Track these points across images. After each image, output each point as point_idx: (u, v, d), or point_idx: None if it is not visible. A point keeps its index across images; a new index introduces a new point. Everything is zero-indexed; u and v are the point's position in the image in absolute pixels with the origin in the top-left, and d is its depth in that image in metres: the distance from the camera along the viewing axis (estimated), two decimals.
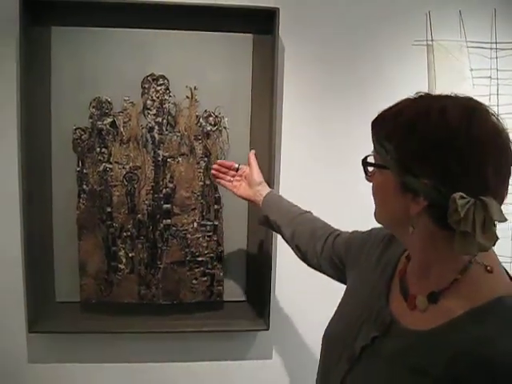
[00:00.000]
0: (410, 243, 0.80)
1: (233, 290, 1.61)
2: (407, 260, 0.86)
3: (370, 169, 0.82)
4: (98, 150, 1.50)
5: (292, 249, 1.27)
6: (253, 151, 1.42)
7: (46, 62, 1.47)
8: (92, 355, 1.61)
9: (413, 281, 0.81)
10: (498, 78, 1.67)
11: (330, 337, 0.93)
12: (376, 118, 0.78)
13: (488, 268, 0.72)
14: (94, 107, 1.49)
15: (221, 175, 1.42)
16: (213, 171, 1.42)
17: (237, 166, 1.42)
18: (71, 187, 1.50)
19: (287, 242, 1.27)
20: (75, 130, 1.49)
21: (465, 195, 0.66)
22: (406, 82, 1.63)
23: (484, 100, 1.68)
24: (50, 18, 1.46)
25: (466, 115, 0.68)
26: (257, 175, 1.37)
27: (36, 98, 1.47)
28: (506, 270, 0.76)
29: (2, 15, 1.45)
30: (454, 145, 0.67)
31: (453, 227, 0.67)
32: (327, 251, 1.13)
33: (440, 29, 1.63)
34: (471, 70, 1.66)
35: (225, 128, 1.53)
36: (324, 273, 1.17)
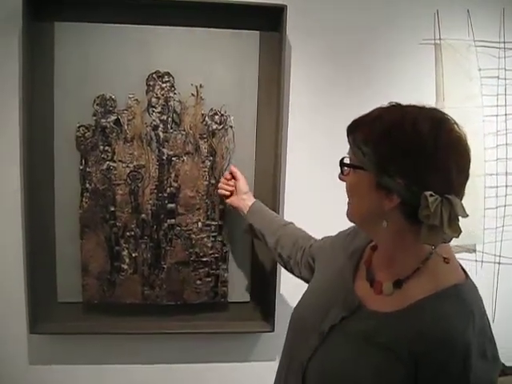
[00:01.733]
0: (379, 236, 0.89)
1: (237, 291, 1.58)
2: (372, 251, 0.96)
3: (346, 168, 0.89)
4: (102, 148, 1.47)
5: (274, 256, 1.37)
6: (231, 165, 1.51)
7: (49, 59, 1.44)
8: (94, 356, 1.59)
9: (379, 269, 0.91)
10: (505, 78, 1.66)
11: (298, 319, 1.01)
12: (352, 124, 0.87)
13: (445, 259, 0.82)
14: (97, 104, 1.46)
15: (225, 187, 1.49)
16: (224, 191, 1.48)
17: (228, 175, 1.50)
18: (74, 186, 1.48)
19: (270, 250, 1.36)
20: (78, 127, 1.46)
21: (433, 193, 0.75)
22: (414, 81, 1.62)
23: (491, 100, 1.68)
24: (53, 14, 1.43)
25: (435, 126, 0.79)
26: (242, 185, 1.45)
27: (39, 95, 1.44)
28: (459, 263, 0.89)
29: (4, 11, 1.42)
30: (423, 151, 0.78)
31: (421, 221, 0.77)
32: (305, 258, 1.24)
33: (448, 28, 1.62)
34: (479, 69, 1.64)
35: (231, 127, 1.51)
36: (305, 280, 1.25)
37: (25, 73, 1.40)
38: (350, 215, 0.92)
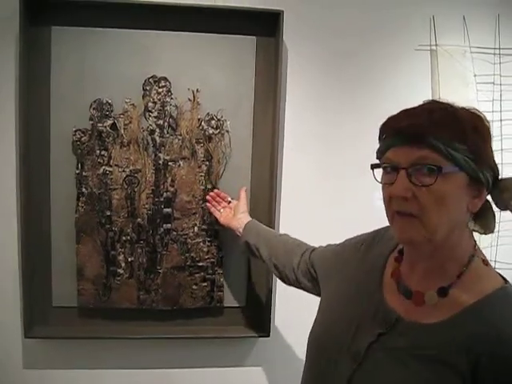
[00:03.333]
0: (446, 246, 0.80)
1: (233, 296, 1.58)
2: (397, 262, 0.89)
3: (429, 181, 0.75)
4: (98, 152, 1.47)
5: (270, 268, 1.32)
6: (244, 188, 1.50)
7: (46, 63, 1.44)
8: (89, 361, 1.58)
9: (413, 280, 0.84)
10: (501, 84, 1.67)
11: (319, 343, 0.93)
12: (417, 124, 0.75)
13: (484, 261, 0.80)
14: (94, 109, 1.46)
15: (213, 203, 1.51)
16: (208, 197, 1.51)
17: (229, 199, 1.50)
18: (70, 190, 1.48)
19: (265, 261, 1.32)
20: (75, 131, 1.46)
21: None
22: (410, 86, 1.62)
23: (487, 106, 1.68)
24: (50, 18, 1.43)
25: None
26: (242, 205, 1.45)
27: (35, 99, 1.44)
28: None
29: (1, 15, 1.42)
30: (492, 140, 0.81)
31: (478, 213, 0.80)
32: (303, 265, 1.18)
33: (444, 34, 1.63)
34: (475, 75, 1.65)
35: (227, 131, 1.51)
36: (302, 287, 1.21)
37: (21, 77, 1.40)
38: (432, 231, 0.76)
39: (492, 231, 0.82)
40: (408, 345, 0.78)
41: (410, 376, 0.75)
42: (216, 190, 1.51)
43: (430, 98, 0.85)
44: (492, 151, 0.80)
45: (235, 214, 1.44)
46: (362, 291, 0.90)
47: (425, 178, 0.75)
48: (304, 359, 1.62)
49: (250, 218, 1.43)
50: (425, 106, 0.80)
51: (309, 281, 1.16)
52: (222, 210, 1.49)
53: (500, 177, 0.79)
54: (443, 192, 0.75)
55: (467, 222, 0.82)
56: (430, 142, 0.74)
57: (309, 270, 1.16)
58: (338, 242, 1.12)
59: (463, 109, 0.79)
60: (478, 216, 0.82)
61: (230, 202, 1.50)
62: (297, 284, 1.22)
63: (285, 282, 1.29)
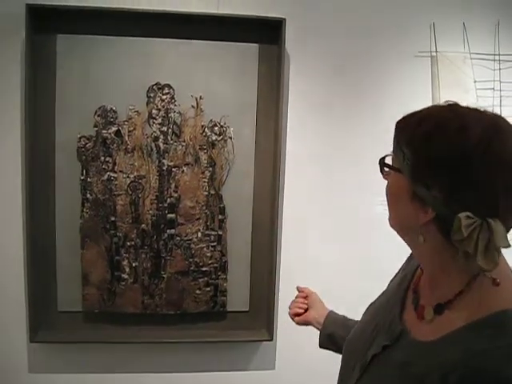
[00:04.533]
0: (419, 253, 0.80)
1: (236, 300, 1.60)
2: (421, 271, 0.85)
3: (386, 169, 0.80)
4: (103, 158, 1.49)
5: None
6: (300, 288, 1.33)
7: (51, 70, 1.46)
8: (94, 365, 1.59)
9: (424, 292, 0.81)
10: (501, 90, 1.69)
11: (347, 347, 0.94)
12: (400, 121, 0.76)
13: (495, 281, 0.69)
14: (98, 116, 1.48)
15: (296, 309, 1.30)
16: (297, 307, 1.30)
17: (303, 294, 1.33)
18: (75, 196, 1.50)
19: None
20: (80, 138, 1.48)
21: (472, 215, 0.65)
22: (410, 93, 1.64)
23: None
24: (55, 26, 1.45)
25: (488, 134, 0.66)
26: (316, 297, 1.29)
27: (40, 106, 1.46)
28: None
29: (7, 23, 1.44)
30: (468, 163, 0.65)
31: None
32: None
33: (444, 40, 1.64)
34: (475, 81, 1.67)
35: (230, 138, 1.53)
36: None
37: (27, 84, 1.42)
38: (390, 221, 0.81)
39: (488, 269, 0.68)
40: (401, 359, 0.76)
41: None
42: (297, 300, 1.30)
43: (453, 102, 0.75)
44: (471, 180, 0.66)
45: (311, 307, 1.26)
46: (390, 301, 0.89)
47: (387, 171, 0.80)
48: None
49: (328, 309, 1.25)
50: (434, 107, 0.76)
51: None
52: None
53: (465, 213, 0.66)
54: (388, 186, 0.79)
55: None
56: (394, 140, 0.76)
57: None
58: None
59: (449, 117, 0.70)
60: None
61: (306, 297, 1.31)
62: None
63: None
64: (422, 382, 0.70)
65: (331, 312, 1.26)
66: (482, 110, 0.71)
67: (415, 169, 0.70)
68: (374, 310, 0.95)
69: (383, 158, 0.80)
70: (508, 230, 0.68)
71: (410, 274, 0.90)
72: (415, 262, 0.91)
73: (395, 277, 1.01)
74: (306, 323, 1.27)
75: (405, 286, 0.88)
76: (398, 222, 0.79)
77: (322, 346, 1.23)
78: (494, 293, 0.70)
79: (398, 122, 0.77)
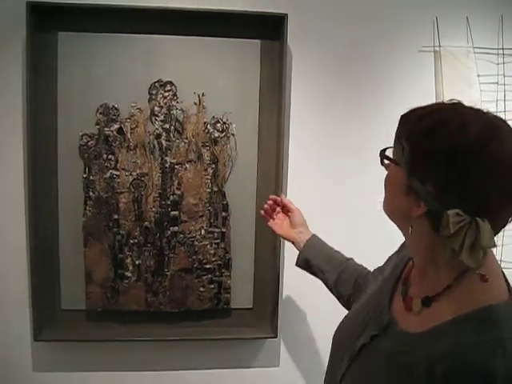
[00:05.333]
0: (410, 243, 0.82)
1: (240, 298, 1.59)
2: (413, 262, 0.88)
3: (386, 160, 0.84)
4: (105, 156, 1.48)
5: (333, 293, 1.26)
6: (282, 195, 1.46)
7: (53, 68, 1.46)
8: (98, 364, 1.59)
9: (414, 283, 0.84)
10: (504, 84, 1.67)
11: (337, 337, 0.97)
12: (404, 115, 0.78)
13: (483, 277, 0.71)
14: (100, 113, 1.47)
15: (269, 212, 1.43)
16: (266, 206, 1.43)
17: (279, 199, 1.44)
18: (77, 194, 1.49)
19: (329, 286, 1.27)
20: (82, 136, 1.48)
21: (461, 212, 0.67)
22: (414, 88, 1.63)
23: (491, 106, 1.69)
24: (56, 24, 1.44)
25: (487, 134, 0.68)
26: (297, 216, 1.38)
27: (42, 104, 1.46)
28: (505, 277, 0.77)
29: (8, 20, 1.44)
30: (464, 160, 0.68)
31: None
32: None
33: (447, 35, 1.63)
34: (478, 75, 1.65)
35: (233, 134, 1.52)
36: None
37: (28, 82, 1.41)
38: (384, 207, 0.85)
39: (472, 267, 0.70)
40: (388, 349, 0.78)
41: (383, 379, 0.77)
42: (272, 197, 1.44)
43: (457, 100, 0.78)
44: (465, 178, 0.68)
45: (294, 226, 1.37)
46: (380, 292, 0.92)
47: (387, 162, 0.83)
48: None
49: (311, 233, 1.35)
50: (438, 104, 0.78)
51: None
52: (275, 216, 1.43)
53: (456, 210, 0.67)
54: (387, 176, 0.83)
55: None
56: (395, 132, 0.79)
57: None
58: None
59: (449, 115, 0.72)
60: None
61: (283, 207, 1.43)
62: None
63: (344, 305, 1.23)
64: (410, 372, 0.72)
65: (313, 237, 1.34)
66: (484, 110, 0.73)
67: (412, 163, 0.73)
68: (366, 299, 0.97)
69: (384, 150, 0.83)
70: (497, 232, 0.71)
71: (402, 264, 0.92)
72: (404, 256, 0.94)
73: (384, 265, 1.05)
74: (287, 239, 1.38)
75: (396, 276, 0.91)
76: (392, 211, 0.83)
77: (297, 265, 1.34)
78: (482, 288, 0.72)
79: (402, 116, 0.79)
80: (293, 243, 1.37)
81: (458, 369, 0.67)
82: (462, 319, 0.71)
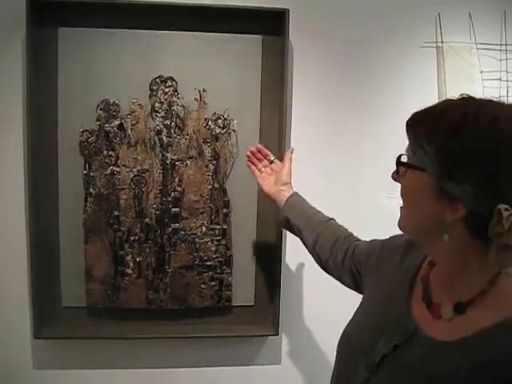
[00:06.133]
0: (437, 252, 0.77)
1: (242, 295, 1.58)
2: (430, 266, 0.83)
3: (403, 168, 0.77)
4: (106, 152, 1.48)
5: (312, 255, 1.23)
6: (291, 150, 1.39)
7: (53, 64, 1.45)
8: (99, 361, 1.58)
9: (437, 289, 0.79)
10: (507, 80, 1.66)
11: (346, 345, 0.90)
12: (414, 116, 0.74)
13: None
14: (101, 109, 1.46)
15: (255, 160, 1.40)
16: (248, 153, 1.40)
17: (272, 158, 1.40)
18: (78, 190, 1.48)
19: (308, 248, 1.24)
20: (82, 132, 1.47)
21: (509, 207, 0.63)
22: (416, 84, 1.62)
23: None
24: (56, 19, 1.43)
25: None
26: (286, 175, 1.33)
27: (43, 100, 1.45)
28: None
29: (8, 16, 1.43)
30: (502, 153, 0.64)
31: (490, 238, 0.65)
32: (347, 262, 1.11)
33: (449, 31, 1.62)
34: (481, 71, 1.65)
35: (234, 131, 1.51)
36: (343, 283, 1.15)
37: (29, 78, 1.40)
38: (402, 224, 0.79)
39: (510, 265, 0.69)
40: (419, 361, 0.73)
41: None
42: (258, 146, 1.40)
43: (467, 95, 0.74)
44: (506, 172, 0.65)
45: (277, 183, 1.32)
46: (393, 296, 0.86)
47: (402, 170, 0.77)
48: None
49: (292, 191, 1.31)
50: (440, 103, 0.75)
51: (350, 277, 1.11)
52: (262, 170, 1.39)
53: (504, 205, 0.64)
54: (405, 186, 0.77)
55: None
56: (409, 136, 0.75)
57: (351, 268, 1.10)
58: (382, 238, 1.05)
59: (468, 111, 0.68)
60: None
61: (272, 162, 1.39)
62: (338, 278, 1.16)
63: (325, 271, 1.21)
64: (443, 382, 0.68)
65: (294, 194, 1.30)
66: (496, 100, 0.71)
67: (442, 164, 0.68)
68: (373, 303, 0.92)
69: (399, 158, 0.77)
70: None
71: (415, 267, 0.87)
72: (418, 254, 0.88)
73: (377, 260, 0.99)
74: (268, 196, 1.34)
75: (410, 279, 0.85)
76: (415, 224, 0.76)
77: (279, 225, 1.33)
78: None
79: (411, 119, 0.74)
80: (273, 201, 1.33)
81: (504, 377, 0.63)
82: (503, 325, 0.67)
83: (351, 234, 1.19)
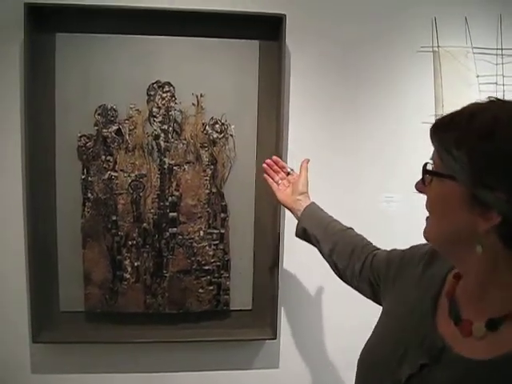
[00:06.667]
0: (466, 264, 0.73)
1: (240, 299, 1.59)
2: (455, 279, 0.79)
3: (427, 177, 0.73)
4: (103, 157, 1.48)
5: (329, 264, 1.20)
6: (307, 160, 1.37)
7: (51, 69, 1.45)
8: (97, 365, 1.59)
9: (465, 304, 0.75)
10: (503, 84, 1.67)
11: (369, 361, 0.85)
12: (439, 121, 0.71)
13: None
14: (99, 114, 1.47)
15: (271, 172, 1.39)
16: (265, 165, 1.39)
17: (289, 170, 1.40)
18: (76, 195, 1.49)
19: (325, 257, 1.21)
20: (80, 137, 1.47)
21: None
22: (413, 88, 1.63)
23: None
24: (54, 25, 1.44)
25: None
26: (302, 184, 1.31)
27: (40, 105, 1.45)
28: None
29: (6, 21, 1.44)
30: None
31: None
32: (365, 272, 1.07)
33: (446, 35, 1.63)
34: (477, 76, 1.65)
35: (231, 135, 1.52)
36: (361, 293, 1.11)
37: (26, 83, 1.41)
38: (429, 235, 0.75)
39: None
40: (449, 380, 0.68)
41: None
42: (274, 157, 1.40)
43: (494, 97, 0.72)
44: None
45: (294, 193, 1.30)
46: (416, 312, 0.81)
47: (427, 179, 0.73)
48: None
49: (309, 201, 1.29)
50: (468, 106, 0.71)
51: (368, 287, 1.06)
52: (279, 182, 1.37)
53: None
54: (432, 196, 0.73)
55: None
56: (435, 143, 0.71)
57: (369, 278, 1.05)
58: (402, 248, 1.01)
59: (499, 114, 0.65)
60: None
61: (288, 174, 1.38)
62: (356, 288, 1.12)
63: (343, 281, 1.17)
64: None
65: (312, 204, 1.28)
66: None
67: (474, 170, 0.64)
68: (394, 319, 0.87)
69: (425, 166, 0.73)
70: None
71: (439, 280, 0.82)
72: (441, 267, 0.84)
73: (397, 272, 0.94)
74: (286, 206, 1.32)
75: (434, 293, 0.81)
76: (443, 235, 0.73)
77: (296, 235, 1.28)
78: None
79: (436, 124, 0.71)
80: (291, 211, 1.31)
81: None
82: None
83: (370, 243, 1.15)
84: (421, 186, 0.74)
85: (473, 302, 0.73)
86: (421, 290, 0.84)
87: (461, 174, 0.66)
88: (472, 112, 0.67)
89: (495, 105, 0.68)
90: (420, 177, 0.76)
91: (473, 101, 1.58)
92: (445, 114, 0.71)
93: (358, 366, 0.88)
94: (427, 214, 0.76)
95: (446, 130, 0.69)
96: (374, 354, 0.85)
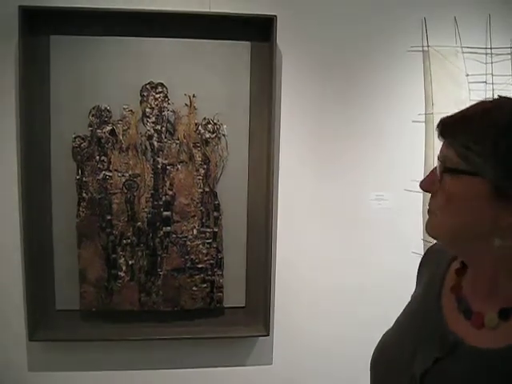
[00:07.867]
0: (480, 258, 0.72)
1: (233, 297, 1.61)
2: (457, 275, 0.79)
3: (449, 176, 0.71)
4: (98, 158, 1.50)
5: None
6: None
7: (45, 71, 1.48)
8: (92, 363, 1.61)
9: (474, 297, 0.74)
10: (493, 83, 1.69)
11: (381, 357, 0.85)
12: (449, 119, 0.70)
13: None
14: (93, 115, 1.49)
15: None
16: None
17: None
18: (71, 195, 1.51)
19: None
20: (74, 138, 1.49)
21: None
22: (403, 88, 1.65)
23: None
24: (48, 27, 1.46)
25: None
26: None
27: (35, 107, 1.48)
28: None
29: (1, 24, 1.46)
30: None
31: None
32: None
33: (435, 35, 1.65)
34: (467, 75, 1.67)
35: (223, 135, 1.54)
36: None
37: (21, 85, 1.43)
38: (438, 232, 0.74)
39: None
40: (466, 372, 0.69)
41: None
42: None
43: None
44: None
45: None
46: (422, 308, 0.82)
47: (442, 176, 0.71)
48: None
49: None
50: (477, 104, 0.71)
51: None
52: None
53: None
54: (450, 192, 0.70)
55: None
56: (449, 141, 0.70)
57: None
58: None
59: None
60: None
61: None
62: None
63: None
64: None
65: None
66: None
67: (498, 163, 0.64)
68: (406, 317, 0.87)
69: (445, 164, 0.71)
70: None
71: (439, 276, 0.83)
72: (439, 263, 0.85)
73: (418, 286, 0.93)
74: None
75: (437, 289, 0.81)
76: (461, 231, 0.71)
77: None
78: None
79: (447, 124, 0.71)
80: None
81: None
82: None
83: None
84: (429, 185, 0.73)
85: (483, 293, 0.73)
86: (424, 287, 0.85)
87: (485, 169, 0.65)
88: (485, 108, 0.68)
89: (505, 100, 0.69)
90: (416, 176, 0.74)
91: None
92: (450, 115, 0.70)
93: (371, 366, 0.87)
94: (422, 211, 0.75)
95: (460, 128, 0.68)
96: (389, 351, 0.84)
